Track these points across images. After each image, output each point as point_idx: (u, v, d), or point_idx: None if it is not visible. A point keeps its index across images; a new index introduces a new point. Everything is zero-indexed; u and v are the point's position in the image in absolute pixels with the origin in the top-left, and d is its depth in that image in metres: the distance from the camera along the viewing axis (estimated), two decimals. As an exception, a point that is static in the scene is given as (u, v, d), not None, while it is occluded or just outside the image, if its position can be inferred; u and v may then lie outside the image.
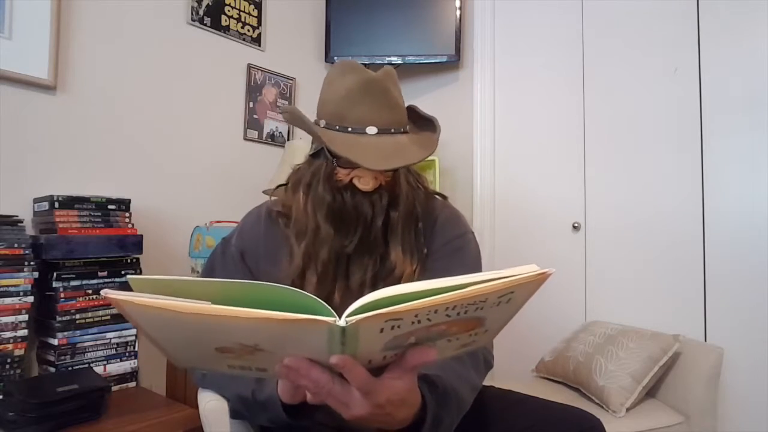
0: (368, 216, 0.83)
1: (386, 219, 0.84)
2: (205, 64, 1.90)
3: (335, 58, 2.21)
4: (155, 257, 1.65)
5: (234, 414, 0.82)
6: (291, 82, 2.20)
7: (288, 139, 2.16)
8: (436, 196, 0.97)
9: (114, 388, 1.40)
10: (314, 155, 0.89)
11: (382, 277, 0.84)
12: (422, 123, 0.91)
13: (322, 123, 0.84)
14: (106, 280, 1.44)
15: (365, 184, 0.82)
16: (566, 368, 1.62)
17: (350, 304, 0.85)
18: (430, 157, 1.99)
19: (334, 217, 0.83)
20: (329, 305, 0.82)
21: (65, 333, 1.35)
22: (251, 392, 0.72)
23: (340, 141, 0.80)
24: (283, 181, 0.95)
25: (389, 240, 0.85)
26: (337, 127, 0.82)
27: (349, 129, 0.82)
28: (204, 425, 0.86)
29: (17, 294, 1.25)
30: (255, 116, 2.07)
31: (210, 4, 1.92)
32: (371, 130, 0.81)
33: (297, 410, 0.65)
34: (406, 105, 0.90)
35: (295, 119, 0.87)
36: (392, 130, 0.83)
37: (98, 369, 1.38)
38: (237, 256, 0.90)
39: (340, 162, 0.83)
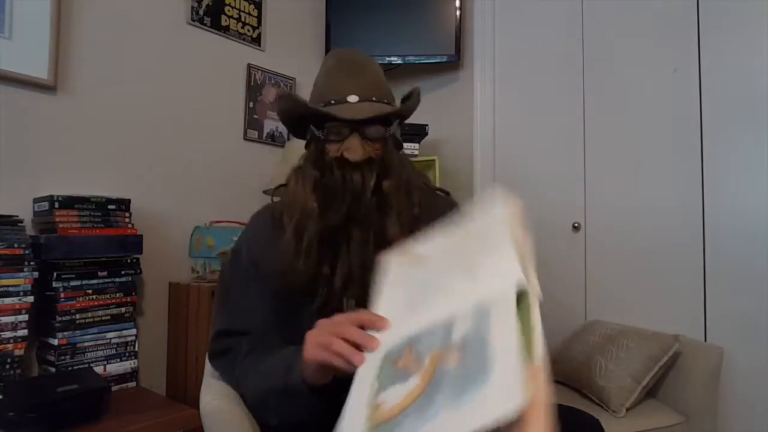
0: (357, 185, 0.81)
1: (380, 191, 0.81)
2: (205, 64, 1.90)
3: (335, 58, 2.21)
4: (155, 257, 1.65)
5: (259, 409, 0.82)
6: (291, 82, 2.20)
7: (288, 139, 2.16)
8: (439, 192, 0.97)
9: (114, 388, 1.40)
10: (307, 145, 0.90)
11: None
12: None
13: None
14: (106, 280, 1.44)
15: (354, 153, 0.82)
16: (566, 368, 1.62)
17: (348, 281, 0.82)
18: (429, 157, 2.02)
19: (323, 190, 0.83)
20: (324, 281, 0.84)
21: (65, 333, 1.35)
22: (283, 382, 0.71)
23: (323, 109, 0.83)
24: (283, 182, 0.94)
25: (385, 213, 0.82)
26: (322, 104, 0.84)
27: (332, 102, 0.84)
28: (204, 425, 0.86)
29: (17, 294, 1.25)
30: (255, 116, 2.07)
31: (210, 4, 1.91)
32: (352, 98, 0.83)
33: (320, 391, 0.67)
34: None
35: (287, 105, 0.89)
36: (373, 98, 0.84)
37: (98, 369, 1.38)
38: (252, 272, 0.88)
39: (328, 136, 0.84)
